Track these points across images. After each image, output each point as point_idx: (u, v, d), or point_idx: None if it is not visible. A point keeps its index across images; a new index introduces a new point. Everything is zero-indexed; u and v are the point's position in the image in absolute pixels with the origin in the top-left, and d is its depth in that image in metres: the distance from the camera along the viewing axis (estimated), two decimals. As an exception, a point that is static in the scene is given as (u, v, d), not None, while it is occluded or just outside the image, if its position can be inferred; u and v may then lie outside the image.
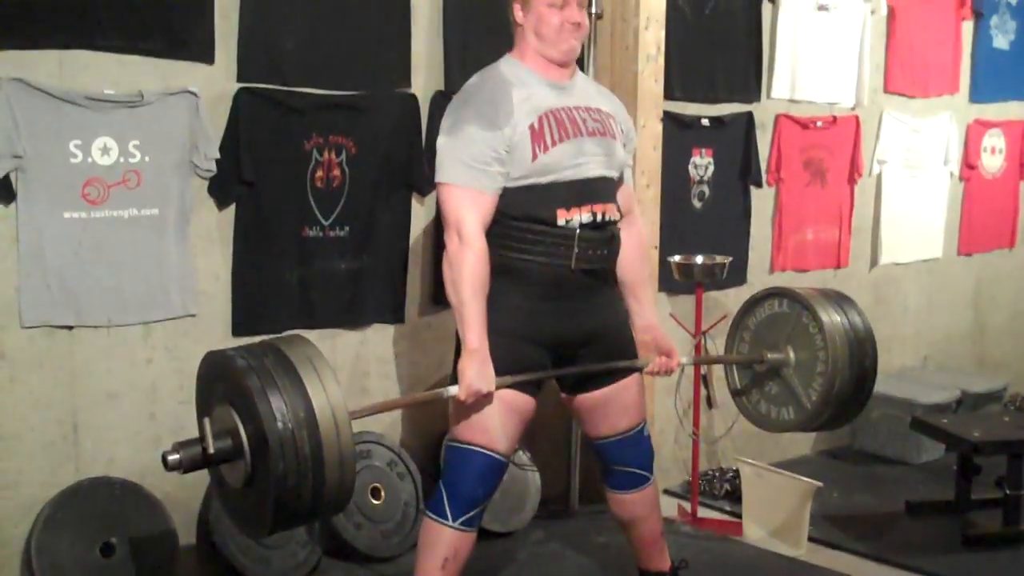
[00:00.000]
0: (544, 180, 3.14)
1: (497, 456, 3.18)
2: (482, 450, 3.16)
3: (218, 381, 2.71)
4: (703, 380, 4.80)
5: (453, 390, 3.05)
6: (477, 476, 3.17)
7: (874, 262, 6.13)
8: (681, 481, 5.18)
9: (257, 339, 3.90)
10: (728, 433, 5.15)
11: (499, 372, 3.08)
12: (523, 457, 4.59)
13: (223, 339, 3.94)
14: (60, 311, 3.63)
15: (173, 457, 2.64)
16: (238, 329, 3.98)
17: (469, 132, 3.07)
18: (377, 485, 4.21)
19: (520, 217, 3.13)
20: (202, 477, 3.88)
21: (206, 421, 2.66)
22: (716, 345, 4.87)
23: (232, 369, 2.60)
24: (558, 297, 3.20)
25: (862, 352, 3.49)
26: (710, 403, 4.87)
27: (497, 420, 3.15)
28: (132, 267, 3.75)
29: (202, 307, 3.91)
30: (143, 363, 3.81)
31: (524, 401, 3.21)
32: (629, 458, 3.50)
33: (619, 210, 3.33)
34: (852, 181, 5.86)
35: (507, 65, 3.24)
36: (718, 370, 4.86)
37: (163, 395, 3.85)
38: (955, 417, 5.40)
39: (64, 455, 3.68)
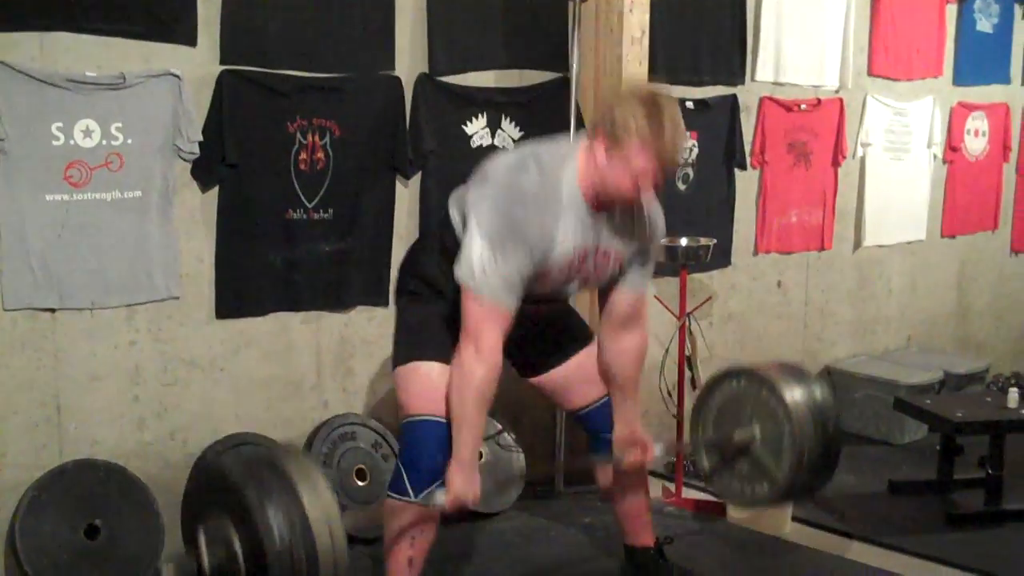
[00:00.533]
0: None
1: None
2: (435, 418, 3.15)
3: (213, 492, 2.71)
4: (688, 362, 4.81)
5: (440, 499, 3.07)
6: (435, 445, 3.14)
7: (858, 244, 6.14)
8: (665, 462, 5.19)
9: (241, 323, 3.97)
10: (712, 414, 5.17)
11: (435, 346, 3.14)
12: (508, 439, 4.60)
13: (207, 322, 3.95)
14: (43, 294, 3.63)
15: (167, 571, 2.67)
16: (221, 311, 3.98)
17: (516, 257, 3.00)
18: (362, 467, 4.21)
19: None
20: (187, 460, 3.91)
21: (201, 534, 2.66)
22: (700, 327, 4.89)
23: (229, 482, 2.61)
24: None
25: (825, 419, 3.53)
26: (694, 384, 4.87)
27: (445, 387, 3.14)
28: (115, 250, 3.75)
29: (185, 289, 3.91)
30: (126, 345, 3.81)
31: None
32: (609, 423, 3.52)
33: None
34: (836, 163, 5.87)
35: (569, 181, 3.08)
36: (702, 351, 4.88)
37: (147, 377, 3.85)
38: (938, 397, 5.43)
39: (48, 437, 3.67)
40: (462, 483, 3.06)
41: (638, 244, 3.29)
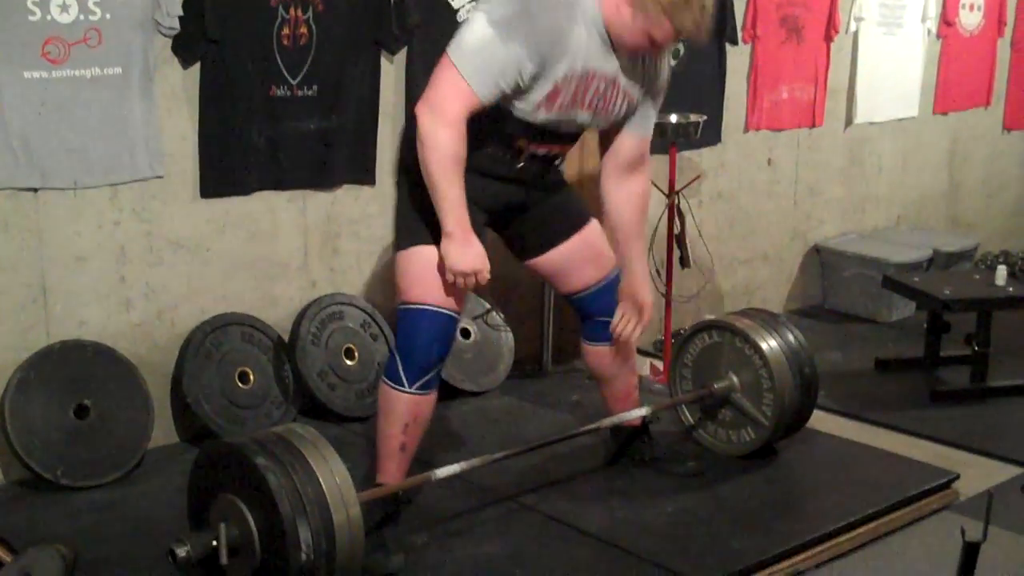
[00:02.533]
0: (525, 117, 3.05)
1: (448, 312, 3.12)
2: (434, 307, 3.10)
3: (235, 474, 2.68)
4: (676, 240, 4.79)
5: (442, 472, 3.09)
6: (431, 336, 3.11)
7: (849, 121, 6.09)
8: (653, 340, 5.21)
9: (226, 202, 3.93)
10: (700, 292, 5.18)
11: (431, 225, 3.05)
12: (497, 318, 4.61)
13: (191, 200, 3.90)
14: (24, 173, 3.57)
15: (181, 552, 2.63)
16: (206, 190, 3.93)
17: (515, 51, 2.88)
18: (351, 346, 4.21)
19: (485, 120, 3.00)
20: (175, 340, 3.90)
21: (222, 527, 2.65)
22: (689, 205, 4.86)
23: (262, 483, 2.58)
24: (495, 179, 3.19)
25: (800, 361, 3.75)
26: (683, 263, 4.86)
27: (443, 276, 3.08)
28: (97, 128, 3.68)
29: (169, 168, 3.85)
30: (111, 225, 3.76)
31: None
32: (607, 307, 3.51)
33: (600, 177, 3.37)
34: (828, 38, 5.78)
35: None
36: (691, 230, 4.86)
37: (132, 257, 3.81)
38: (926, 275, 5.44)
39: (34, 318, 3.65)
40: (456, 254, 2.98)
41: (648, 86, 3.23)
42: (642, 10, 2.94)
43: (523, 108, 3.02)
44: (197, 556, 2.65)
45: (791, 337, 3.77)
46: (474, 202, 3.09)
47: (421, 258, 3.12)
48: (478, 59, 2.89)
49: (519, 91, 2.97)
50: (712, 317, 3.97)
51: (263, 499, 2.59)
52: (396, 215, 3.27)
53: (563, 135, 3.21)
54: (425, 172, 2.95)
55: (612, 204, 3.40)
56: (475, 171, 3.07)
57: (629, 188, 3.37)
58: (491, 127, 3.04)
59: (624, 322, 3.46)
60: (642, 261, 3.48)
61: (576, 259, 3.46)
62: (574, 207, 3.48)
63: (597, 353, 3.61)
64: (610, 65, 3.08)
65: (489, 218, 3.27)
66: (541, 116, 3.06)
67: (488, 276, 3.05)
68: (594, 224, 3.48)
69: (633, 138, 3.31)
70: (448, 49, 2.95)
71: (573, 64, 2.98)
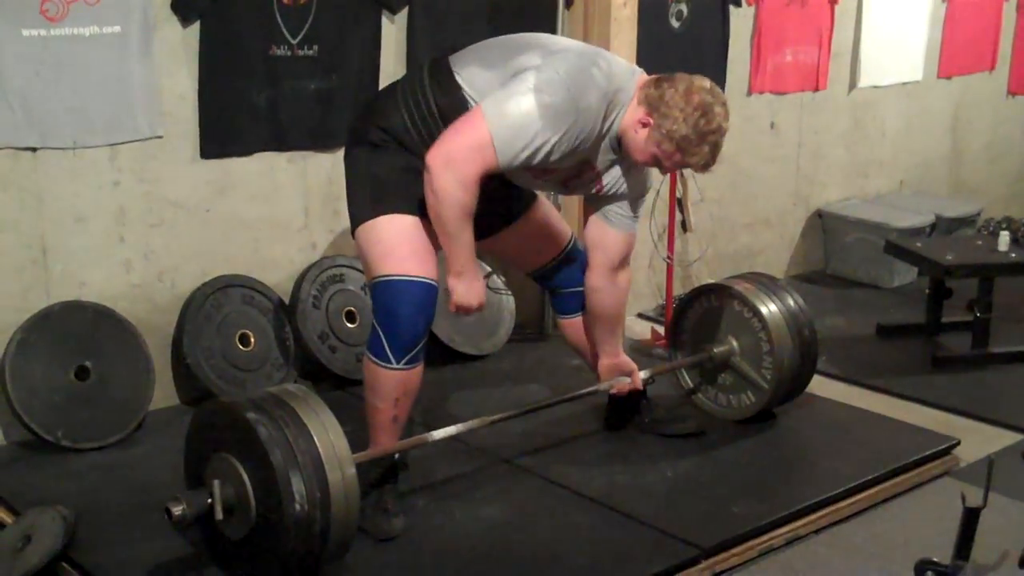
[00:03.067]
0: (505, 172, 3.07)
1: (429, 281, 3.06)
2: (414, 277, 3.03)
3: (226, 432, 2.68)
4: (678, 204, 4.77)
5: (438, 434, 3.12)
6: (414, 308, 3.04)
7: (853, 85, 6.05)
8: (655, 305, 5.20)
9: (226, 163, 3.90)
10: (702, 257, 5.16)
11: (405, 198, 3.05)
12: (498, 281, 4.59)
13: (191, 161, 3.88)
14: (23, 132, 3.54)
15: (177, 511, 2.63)
16: (207, 151, 3.90)
17: (549, 136, 2.90)
18: (352, 309, 4.20)
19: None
20: (175, 302, 3.89)
21: (216, 484, 2.65)
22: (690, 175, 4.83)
23: (253, 436, 2.59)
24: None
25: (799, 325, 3.75)
26: (684, 227, 4.85)
27: (419, 242, 3.06)
28: (96, 87, 3.65)
29: (169, 128, 3.82)
30: (110, 186, 3.74)
31: None
32: (571, 278, 3.55)
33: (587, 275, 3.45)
34: (833, 1, 5.73)
35: (622, 100, 3.05)
36: (693, 194, 4.84)
37: (132, 218, 3.79)
38: (928, 241, 5.43)
39: (34, 279, 3.64)
40: (464, 291, 3.05)
41: (631, 186, 3.29)
42: (655, 137, 3.02)
43: (515, 163, 2.98)
44: (193, 514, 2.65)
45: (791, 301, 3.77)
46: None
47: (391, 228, 3.06)
48: (515, 132, 2.89)
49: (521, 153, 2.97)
50: (712, 281, 3.94)
51: (255, 453, 2.59)
52: (352, 185, 3.19)
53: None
54: (438, 220, 2.95)
55: (598, 297, 3.46)
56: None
57: (616, 283, 3.44)
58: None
59: (620, 388, 3.60)
60: (619, 341, 3.61)
61: (532, 236, 3.50)
62: (520, 192, 3.43)
63: (573, 325, 3.64)
64: (606, 157, 3.16)
65: None
66: (520, 179, 3.16)
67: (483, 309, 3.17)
68: (541, 200, 3.52)
69: (621, 234, 3.37)
70: (485, 105, 2.92)
71: (579, 157, 3.09)
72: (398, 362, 3.06)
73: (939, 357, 4.63)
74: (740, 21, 5.37)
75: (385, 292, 3.06)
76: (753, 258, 5.75)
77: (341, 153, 4.16)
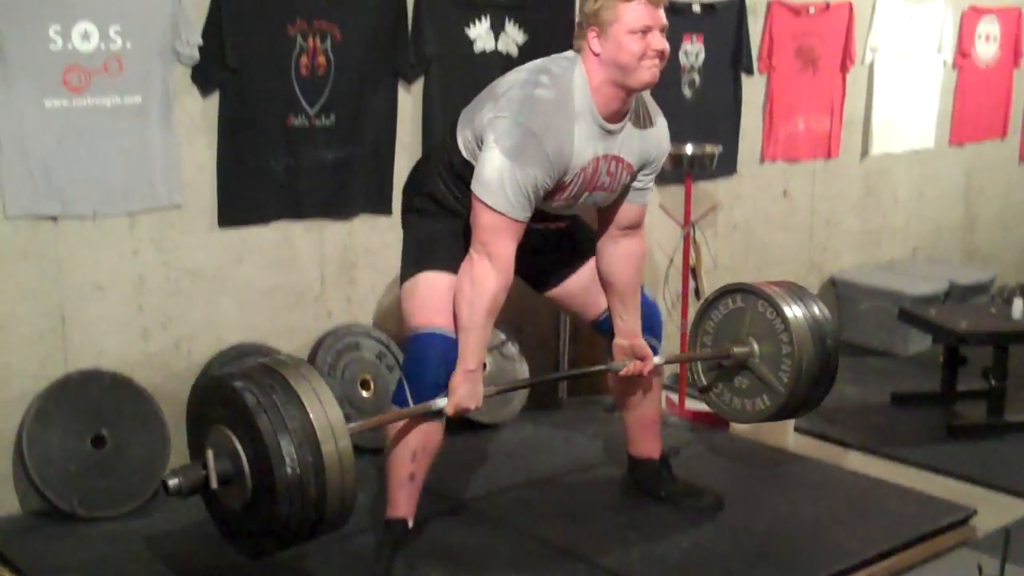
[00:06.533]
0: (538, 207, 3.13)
1: (454, 336, 3.14)
2: (440, 331, 3.13)
3: (220, 406, 2.69)
4: (692, 272, 4.79)
5: (441, 403, 3.09)
6: (438, 358, 3.12)
7: (865, 152, 6.08)
8: (669, 373, 5.19)
9: (243, 231, 3.94)
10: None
11: (445, 257, 3.14)
12: (511, 349, 4.60)
13: (209, 230, 3.91)
14: (44, 201, 3.58)
15: (173, 483, 2.63)
16: (224, 220, 3.94)
17: (534, 174, 2.98)
18: (367, 377, 4.21)
19: None
20: (192, 370, 3.91)
21: (209, 453, 2.65)
22: (705, 236, 4.86)
23: (241, 405, 2.59)
24: None
25: (823, 334, 3.60)
26: (698, 295, 4.86)
27: (450, 301, 3.13)
28: (116, 156, 3.69)
29: (187, 197, 3.86)
30: (129, 254, 3.77)
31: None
32: None
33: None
34: (844, 69, 5.79)
35: (580, 86, 3.07)
36: (706, 261, 4.86)
37: (150, 287, 3.82)
38: (942, 308, 5.42)
39: (53, 347, 3.66)
40: (466, 391, 3.08)
41: (646, 156, 3.27)
42: (608, 22, 3.01)
43: (536, 201, 3.08)
44: (188, 485, 2.64)
45: (816, 309, 3.64)
46: None
47: (426, 284, 3.18)
48: (506, 191, 2.98)
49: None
50: (740, 284, 3.84)
51: (245, 422, 2.59)
52: (404, 248, 3.33)
53: (564, 216, 3.33)
54: (466, 309, 3.05)
55: (608, 262, 3.45)
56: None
57: (626, 248, 3.43)
58: None
59: (631, 371, 3.50)
60: (636, 317, 3.50)
61: (590, 286, 3.50)
62: (586, 235, 3.50)
63: (624, 376, 3.58)
64: (610, 143, 3.15)
65: None
66: (552, 206, 3.18)
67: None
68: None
69: (631, 207, 3.37)
70: (474, 189, 3.03)
71: (580, 160, 3.08)
72: None
73: (954, 425, 4.61)
74: (752, 89, 5.42)
75: (413, 343, 3.18)
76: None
77: (356, 221, 4.27)
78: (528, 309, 4.42)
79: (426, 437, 3.18)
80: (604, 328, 3.58)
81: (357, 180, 4.23)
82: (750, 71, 5.38)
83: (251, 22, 3.86)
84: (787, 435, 4.41)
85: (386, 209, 4.32)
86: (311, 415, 2.60)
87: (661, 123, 3.32)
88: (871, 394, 5.10)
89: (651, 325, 3.57)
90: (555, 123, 3.01)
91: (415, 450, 3.17)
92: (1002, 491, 4.02)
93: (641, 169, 3.29)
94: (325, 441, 2.59)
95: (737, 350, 3.67)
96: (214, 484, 2.64)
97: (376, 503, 3.42)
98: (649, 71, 3.03)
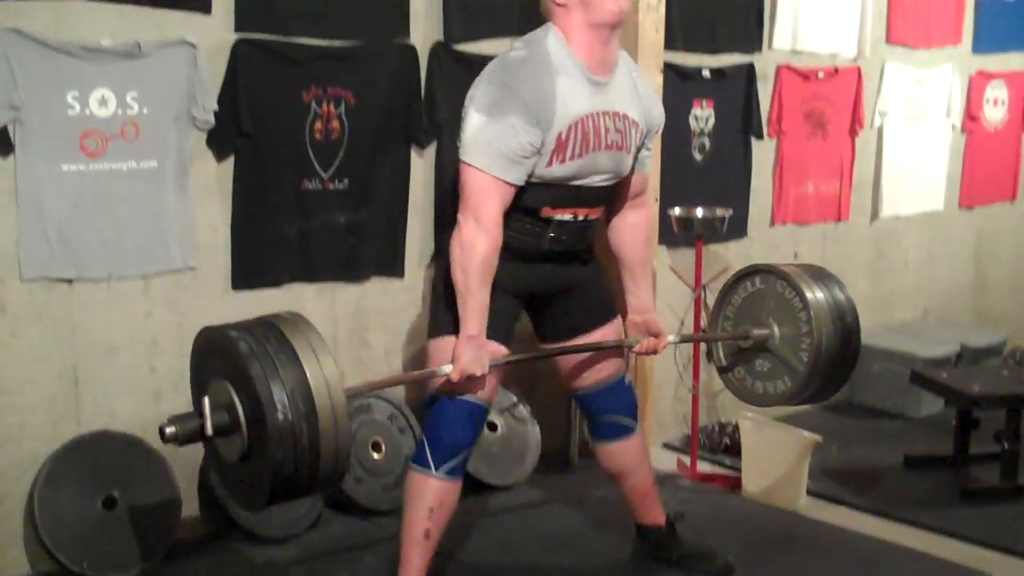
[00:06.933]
0: (544, 181, 3.13)
1: (476, 402, 3.20)
2: (464, 397, 3.17)
3: (216, 358, 2.69)
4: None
5: (447, 369, 3.07)
6: (458, 423, 3.18)
7: (875, 215, 6.10)
8: (681, 435, 5.19)
9: (256, 293, 3.96)
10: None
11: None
12: (523, 411, 4.60)
13: (223, 292, 3.94)
14: (60, 264, 3.62)
15: (170, 430, 2.62)
16: (237, 283, 3.97)
17: (512, 122, 2.99)
18: (378, 439, 4.21)
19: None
20: (203, 430, 3.90)
21: (205, 400, 2.65)
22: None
23: (235, 353, 2.59)
24: (530, 260, 3.25)
25: (843, 315, 3.54)
26: (710, 357, 4.85)
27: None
28: (131, 220, 3.73)
29: (201, 260, 3.89)
30: (143, 316, 3.80)
31: (496, 349, 3.20)
32: (613, 406, 3.55)
33: (604, 211, 3.39)
34: (853, 133, 5.82)
35: (553, 43, 3.12)
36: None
37: (163, 349, 3.84)
38: (955, 371, 5.40)
39: (65, 409, 3.68)
40: (470, 357, 3.06)
41: (648, 115, 3.32)
42: None
43: (543, 173, 3.10)
44: (185, 432, 2.63)
45: (836, 288, 3.59)
46: (509, 291, 3.19)
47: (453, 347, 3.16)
48: (487, 148, 3.00)
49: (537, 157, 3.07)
50: (764, 264, 3.78)
51: (238, 370, 2.57)
52: (435, 299, 3.32)
53: (589, 195, 3.25)
54: (460, 274, 3.05)
55: (616, 235, 3.48)
56: (509, 254, 3.14)
57: (632, 218, 3.45)
58: (515, 203, 3.12)
59: (644, 348, 3.46)
60: (648, 291, 3.52)
61: (592, 356, 3.49)
62: (605, 298, 3.51)
63: (609, 451, 3.62)
64: (605, 98, 3.17)
65: (523, 303, 3.34)
66: (557, 171, 3.13)
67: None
68: (618, 321, 3.52)
69: (636, 176, 3.40)
70: (460, 154, 3.06)
71: (569, 110, 3.08)
72: (436, 469, 3.17)
73: (968, 489, 4.59)
74: (762, 153, 5.46)
75: (438, 405, 3.20)
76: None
77: (368, 284, 4.29)
78: (539, 370, 4.43)
79: (444, 494, 3.20)
80: (584, 403, 3.60)
81: (370, 243, 4.27)
82: (760, 135, 5.42)
83: (266, 88, 3.92)
84: (799, 497, 4.39)
85: (398, 272, 4.35)
86: (304, 364, 2.58)
87: (649, 83, 3.40)
88: (883, 456, 5.07)
89: (627, 406, 3.57)
90: (531, 74, 3.05)
91: (432, 507, 3.19)
92: (1016, 555, 3.99)
93: (646, 134, 3.34)
94: (318, 389, 2.56)
95: (757, 332, 3.62)
96: (209, 431, 2.62)
97: (389, 566, 3.41)
98: (616, 3, 3.09)
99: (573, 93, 3.09)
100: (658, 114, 3.39)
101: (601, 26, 3.10)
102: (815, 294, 3.50)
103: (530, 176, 3.09)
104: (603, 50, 3.14)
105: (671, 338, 3.54)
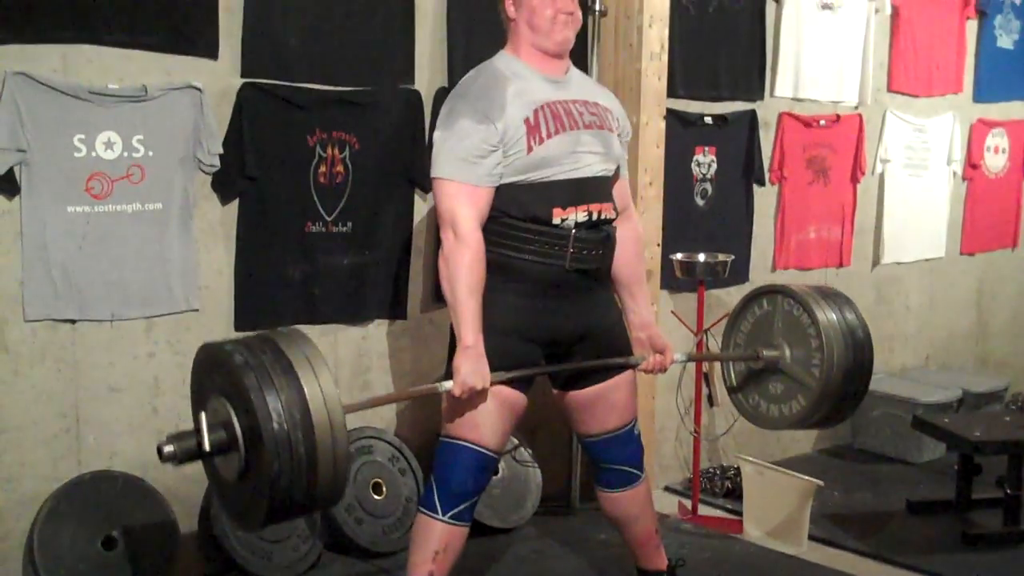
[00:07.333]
0: (541, 177, 3.14)
1: (487, 452, 3.19)
2: (472, 446, 3.17)
3: (214, 374, 2.71)
4: (704, 378, 4.81)
5: (448, 385, 3.06)
6: (467, 471, 3.18)
7: (876, 261, 6.12)
8: (682, 478, 5.18)
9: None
10: (729, 431, 5.15)
11: (493, 368, 3.08)
12: (524, 454, 4.60)
13: (225, 334, 3.94)
14: (63, 305, 3.64)
15: (168, 449, 2.63)
16: (240, 324, 3.98)
17: (462, 125, 3.08)
18: (379, 480, 4.21)
19: (516, 215, 3.14)
20: (204, 471, 3.91)
21: (202, 416, 2.66)
22: (718, 343, 4.85)
23: (230, 365, 2.59)
24: (553, 296, 3.22)
25: (851, 325, 3.53)
26: (711, 401, 4.87)
27: (488, 416, 3.15)
28: (135, 261, 3.76)
29: (204, 302, 3.92)
30: (145, 357, 3.82)
31: (516, 397, 3.21)
32: (620, 456, 3.51)
33: (615, 208, 3.34)
34: (855, 180, 5.86)
35: (502, 60, 3.26)
36: (719, 368, 4.86)
37: (165, 389, 3.86)
38: (956, 416, 5.40)
39: (66, 448, 3.69)
40: (469, 369, 3.04)
41: (615, 109, 3.39)
42: None
43: (529, 161, 3.12)
44: (183, 450, 2.63)
45: (845, 304, 3.59)
46: (529, 338, 3.18)
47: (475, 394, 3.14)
48: (448, 156, 3.09)
49: (508, 155, 3.11)
50: (778, 284, 3.77)
51: (235, 384, 2.56)
52: (451, 349, 3.27)
53: (592, 186, 3.25)
54: (447, 287, 3.10)
55: None
56: (528, 286, 3.16)
57: (622, 234, 3.41)
58: (526, 225, 3.14)
59: (650, 365, 3.43)
60: (648, 306, 3.51)
61: (604, 402, 3.45)
62: (623, 348, 3.45)
63: (613, 499, 3.59)
64: (567, 90, 3.27)
65: (543, 351, 3.28)
66: (541, 151, 3.14)
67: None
68: (631, 375, 3.49)
69: (617, 183, 3.40)
70: (431, 173, 3.15)
71: (528, 99, 3.16)
72: (443, 514, 3.17)
73: (970, 534, 4.57)
74: (764, 199, 5.49)
75: (444, 450, 3.22)
76: (780, 432, 5.74)
77: (371, 326, 4.31)
78: (541, 415, 4.43)
79: (450, 538, 3.19)
80: (591, 450, 3.56)
81: (373, 286, 4.29)
82: (762, 182, 5.45)
83: (271, 132, 3.96)
84: (801, 542, 4.38)
85: (401, 314, 4.37)
86: (299, 374, 2.58)
87: (611, 93, 3.54)
88: (885, 502, 5.06)
89: (634, 456, 3.55)
90: (480, 84, 3.18)
91: (437, 550, 3.17)
92: (1019, 601, 3.98)
93: (620, 133, 3.38)
94: (314, 400, 2.56)
95: (767, 352, 3.62)
96: (207, 448, 2.61)
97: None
98: (561, 33, 3.22)
99: (530, 89, 3.19)
100: (626, 117, 3.47)
101: (545, 52, 3.24)
102: (823, 309, 3.51)
103: (527, 176, 3.12)
104: (554, 61, 3.27)
105: (678, 356, 3.50)
